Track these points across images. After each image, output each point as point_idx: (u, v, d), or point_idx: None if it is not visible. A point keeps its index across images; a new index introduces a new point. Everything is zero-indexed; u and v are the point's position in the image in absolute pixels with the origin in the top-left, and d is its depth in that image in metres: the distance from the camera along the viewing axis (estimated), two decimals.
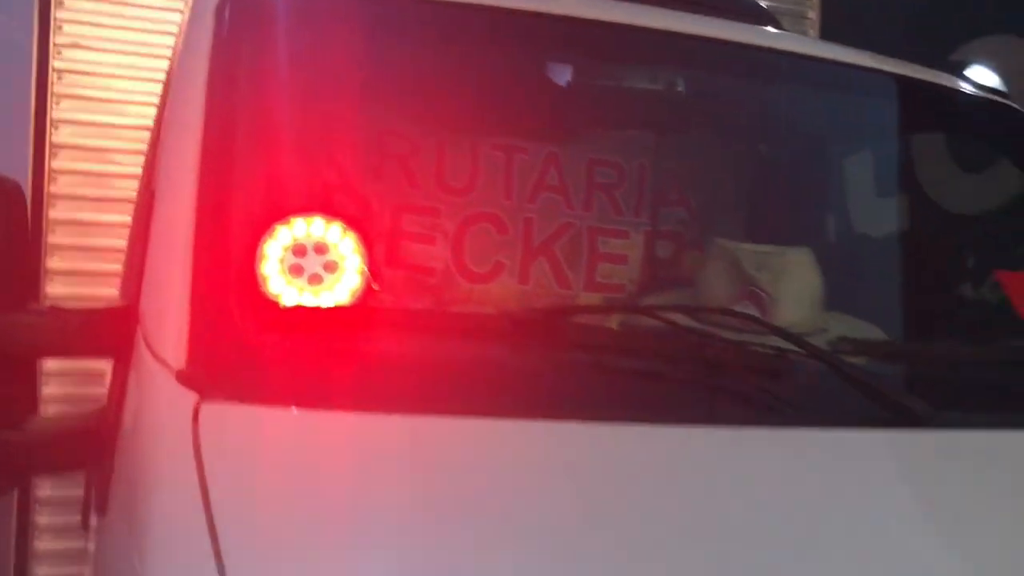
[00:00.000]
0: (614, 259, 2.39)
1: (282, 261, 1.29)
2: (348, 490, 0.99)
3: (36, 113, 2.74)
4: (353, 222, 1.38)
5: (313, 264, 1.32)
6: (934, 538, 1.08)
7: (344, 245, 1.36)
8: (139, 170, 2.71)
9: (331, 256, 1.34)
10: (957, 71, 2.64)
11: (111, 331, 1.30)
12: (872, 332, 1.63)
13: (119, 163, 2.74)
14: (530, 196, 2.35)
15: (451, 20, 1.66)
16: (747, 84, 2.10)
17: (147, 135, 2.72)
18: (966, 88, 2.29)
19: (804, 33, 3.64)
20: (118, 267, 2.55)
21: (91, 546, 1.64)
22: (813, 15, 3.70)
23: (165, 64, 2.51)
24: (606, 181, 2.43)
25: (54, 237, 2.77)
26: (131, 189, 2.62)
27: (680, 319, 1.30)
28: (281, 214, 1.33)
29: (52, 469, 1.54)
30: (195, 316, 1.18)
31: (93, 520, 1.53)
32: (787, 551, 1.01)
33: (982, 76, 2.70)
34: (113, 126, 2.78)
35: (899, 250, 2.47)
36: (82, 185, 2.79)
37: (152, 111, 2.73)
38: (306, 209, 1.37)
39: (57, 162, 2.77)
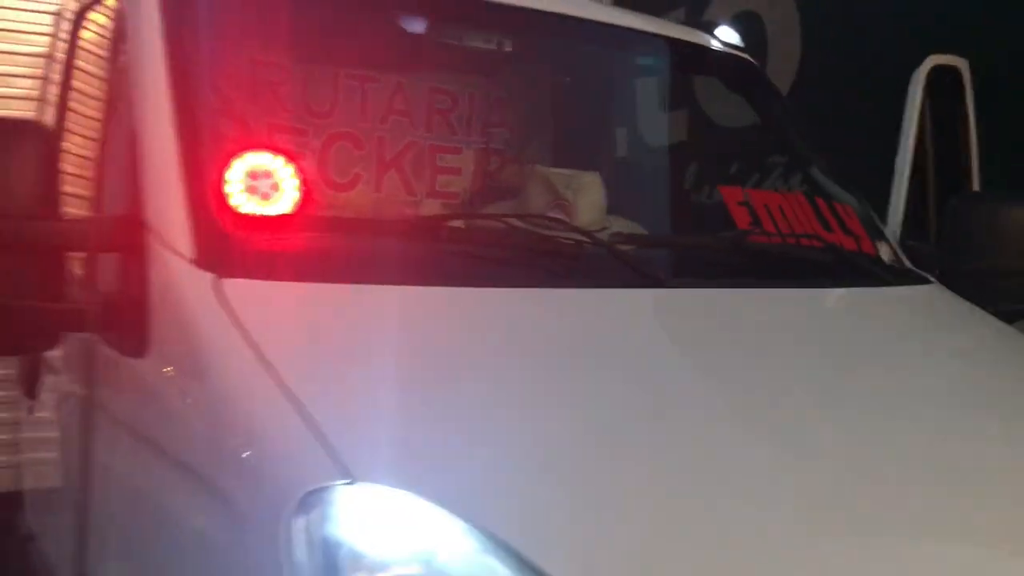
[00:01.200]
0: (450, 172, 3.07)
1: (242, 183, 1.87)
2: (359, 334, 1.60)
3: None
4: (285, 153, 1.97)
5: (261, 185, 1.90)
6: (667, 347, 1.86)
7: (283, 171, 1.95)
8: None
9: (273, 179, 1.93)
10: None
11: (119, 233, 1.84)
12: (636, 228, 2.41)
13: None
14: (381, 118, 2.97)
15: None
16: (552, 43, 2.80)
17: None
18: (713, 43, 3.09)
19: None
20: None
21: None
22: None
23: None
24: (443, 107, 3.08)
25: None
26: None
27: (515, 222, 2.01)
28: (237, 151, 1.91)
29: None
30: (195, 224, 1.75)
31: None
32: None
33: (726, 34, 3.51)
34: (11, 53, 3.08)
35: (667, 163, 3.28)
36: None
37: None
38: (251, 147, 1.96)
39: None
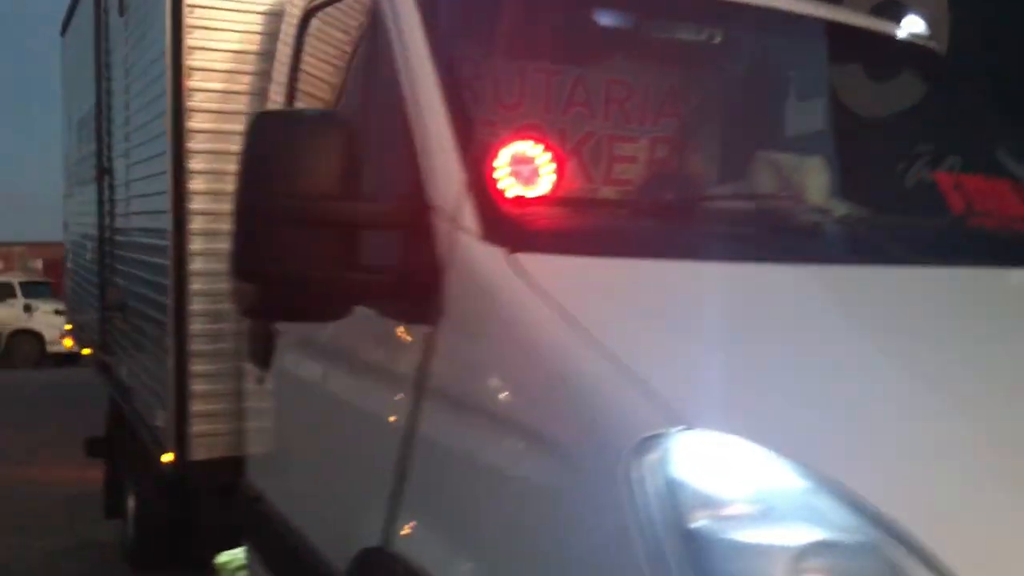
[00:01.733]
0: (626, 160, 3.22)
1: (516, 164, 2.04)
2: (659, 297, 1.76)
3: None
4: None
5: (528, 171, 2.08)
6: None
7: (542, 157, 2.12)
8: None
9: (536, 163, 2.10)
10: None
11: (407, 214, 2.03)
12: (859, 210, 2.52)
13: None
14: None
15: None
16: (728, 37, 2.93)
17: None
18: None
19: None
20: None
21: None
22: None
23: None
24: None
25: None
26: None
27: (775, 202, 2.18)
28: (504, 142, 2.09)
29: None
30: (481, 205, 1.92)
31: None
32: None
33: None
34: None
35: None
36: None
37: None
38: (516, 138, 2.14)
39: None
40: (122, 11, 4.28)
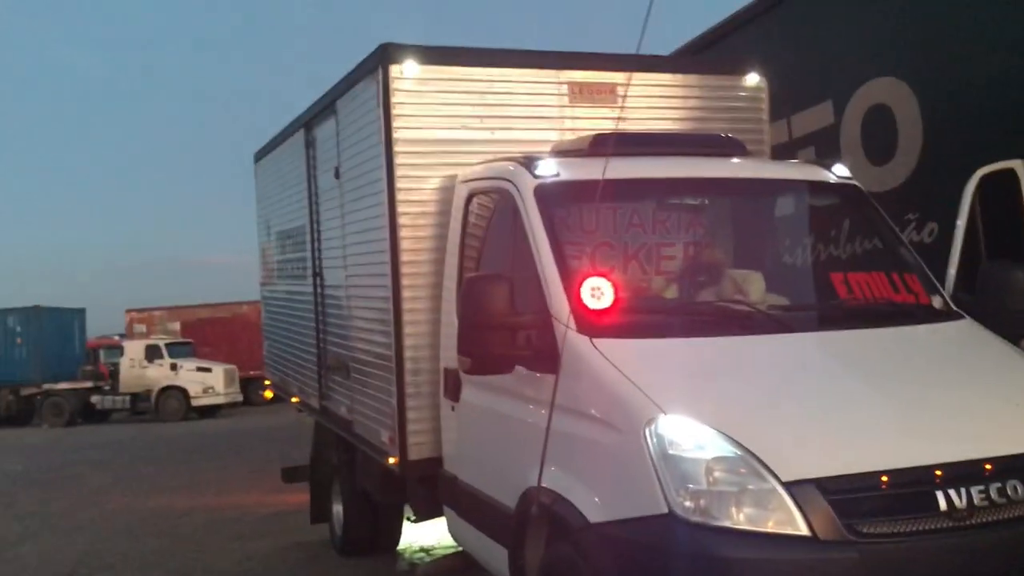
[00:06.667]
0: (667, 259, 5.33)
1: (588, 292, 4.13)
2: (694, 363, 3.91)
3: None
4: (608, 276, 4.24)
5: (599, 294, 4.16)
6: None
7: (607, 286, 4.21)
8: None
9: (603, 290, 4.19)
10: None
11: (539, 319, 4.16)
12: (784, 300, 4.57)
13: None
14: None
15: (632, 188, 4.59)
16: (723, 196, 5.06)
17: None
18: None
19: None
20: None
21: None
22: None
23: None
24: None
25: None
26: None
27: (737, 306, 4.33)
28: (586, 277, 4.19)
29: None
30: (576, 314, 4.02)
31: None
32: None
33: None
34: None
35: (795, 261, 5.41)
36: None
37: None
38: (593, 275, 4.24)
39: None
40: (337, 175, 6.60)
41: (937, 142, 6.88)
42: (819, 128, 8.11)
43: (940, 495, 3.38)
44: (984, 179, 5.33)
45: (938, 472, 3.42)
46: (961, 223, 5.11)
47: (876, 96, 7.50)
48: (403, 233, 5.46)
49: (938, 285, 4.76)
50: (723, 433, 3.44)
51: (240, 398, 28.98)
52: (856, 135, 7.70)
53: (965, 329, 4.47)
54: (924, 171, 6.93)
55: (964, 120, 6.55)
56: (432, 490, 5.59)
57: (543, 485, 3.94)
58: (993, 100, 6.33)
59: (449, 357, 5.16)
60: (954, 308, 4.64)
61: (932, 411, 3.73)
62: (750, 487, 3.36)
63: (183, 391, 28.15)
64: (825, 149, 7.68)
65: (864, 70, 7.60)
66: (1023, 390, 4.01)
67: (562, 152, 5.10)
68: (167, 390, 28.17)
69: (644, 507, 3.47)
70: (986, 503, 3.41)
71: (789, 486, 3.32)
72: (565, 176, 4.59)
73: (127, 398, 28.48)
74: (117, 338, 33.53)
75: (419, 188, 5.49)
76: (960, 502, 3.38)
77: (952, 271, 5.01)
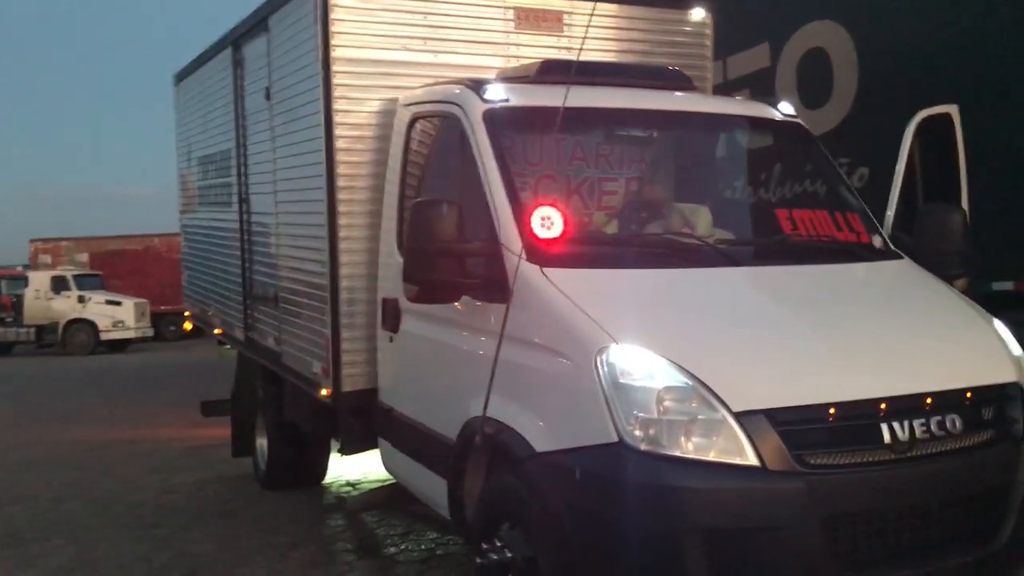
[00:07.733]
0: (610, 194, 5.27)
1: (542, 222, 4.04)
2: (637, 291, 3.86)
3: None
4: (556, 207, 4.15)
5: (549, 224, 4.07)
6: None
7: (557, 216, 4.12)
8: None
9: (553, 220, 4.10)
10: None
11: (488, 247, 4.06)
12: (729, 235, 4.55)
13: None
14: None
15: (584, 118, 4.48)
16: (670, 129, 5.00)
17: None
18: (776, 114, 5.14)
19: None
20: None
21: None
22: None
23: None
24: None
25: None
26: None
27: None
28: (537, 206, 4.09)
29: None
30: (526, 243, 3.93)
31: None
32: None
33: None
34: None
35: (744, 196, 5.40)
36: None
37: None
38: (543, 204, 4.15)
39: None
40: (268, 97, 6.32)
41: (872, 88, 6.97)
42: (755, 70, 8.15)
43: (884, 427, 3.44)
44: (920, 124, 5.39)
45: (883, 405, 3.47)
46: (900, 166, 5.16)
47: (813, 39, 7.54)
48: (340, 157, 5.26)
49: (878, 225, 4.81)
50: (674, 363, 3.41)
51: (151, 333, 28.32)
52: (792, 78, 7.74)
53: (904, 269, 4.53)
54: (857, 116, 7.02)
55: (900, 65, 6.63)
56: (365, 422, 5.49)
57: (488, 415, 3.88)
58: (931, 46, 6.41)
59: (388, 287, 5.03)
60: (893, 248, 4.70)
61: (876, 346, 3.76)
62: (700, 417, 3.35)
63: (92, 324, 27.31)
64: (760, 92, 7.70)
65: (802, 12, 7.64)
66: (958, 328, 4.10)
67: (508, 78, 4.95)
68: (75, 323, 27.31)
69: (593, 436, 3.44)
70: (927, 436, 3.49)
71: (739, 416, 3.32)
72: (515, 102, 4.46)
73: (32, 330, 27.51)
74: (20, 268, 32.25)
75: (357, 111, 5.28)
76: (903, 435, 3.44)
77: (891, 212, 5.07)
